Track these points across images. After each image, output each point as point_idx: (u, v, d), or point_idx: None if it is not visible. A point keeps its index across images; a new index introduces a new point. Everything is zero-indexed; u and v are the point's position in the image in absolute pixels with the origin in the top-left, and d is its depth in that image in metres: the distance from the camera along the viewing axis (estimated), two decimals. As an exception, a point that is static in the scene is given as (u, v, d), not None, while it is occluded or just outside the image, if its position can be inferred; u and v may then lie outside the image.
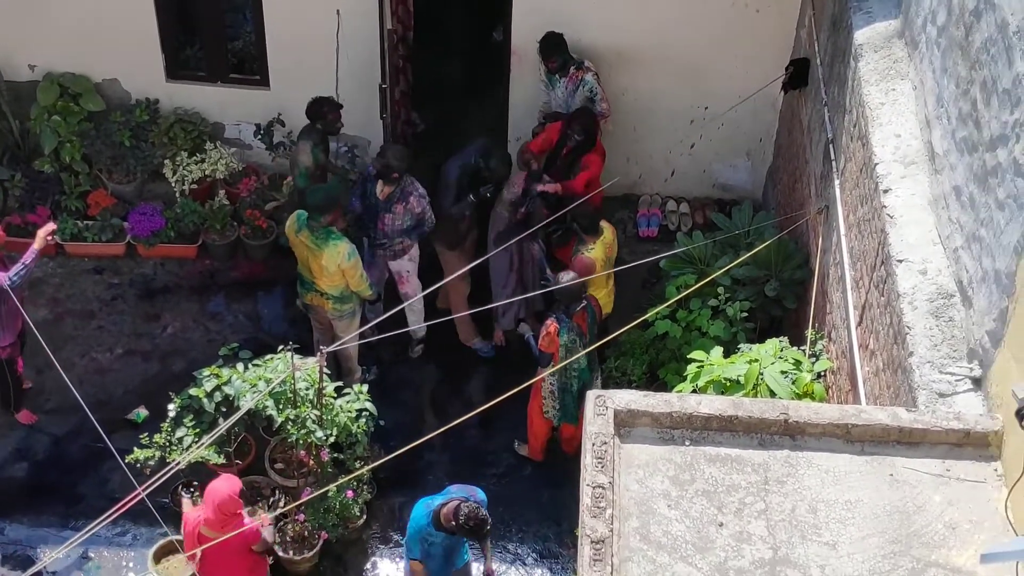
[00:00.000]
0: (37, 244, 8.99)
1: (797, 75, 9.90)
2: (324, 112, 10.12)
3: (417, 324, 10.12)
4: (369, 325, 9.01)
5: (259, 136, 11.17)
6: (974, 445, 5.57)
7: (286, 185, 11.15)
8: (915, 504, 5.37)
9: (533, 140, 10.39)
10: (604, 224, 9.67)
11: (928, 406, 6.02)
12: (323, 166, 10.21)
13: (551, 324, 8.85)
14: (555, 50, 10.20)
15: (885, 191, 7.10)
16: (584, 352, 8.85)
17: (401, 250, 9.86)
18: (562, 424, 9.40)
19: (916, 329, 6.37)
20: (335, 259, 9.18)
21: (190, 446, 8.19)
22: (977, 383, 6.04)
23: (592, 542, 5.08)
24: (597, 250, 9.49)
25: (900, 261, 6.70)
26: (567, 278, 8.88)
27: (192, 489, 9.06)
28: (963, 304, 6.34)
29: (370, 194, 9.69)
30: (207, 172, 11.01)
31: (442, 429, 8.63)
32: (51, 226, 9.24)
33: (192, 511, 8.12)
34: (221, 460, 8.63)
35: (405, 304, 9.57)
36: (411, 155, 9.72)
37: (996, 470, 5.52)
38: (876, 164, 7.28)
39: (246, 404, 8.05)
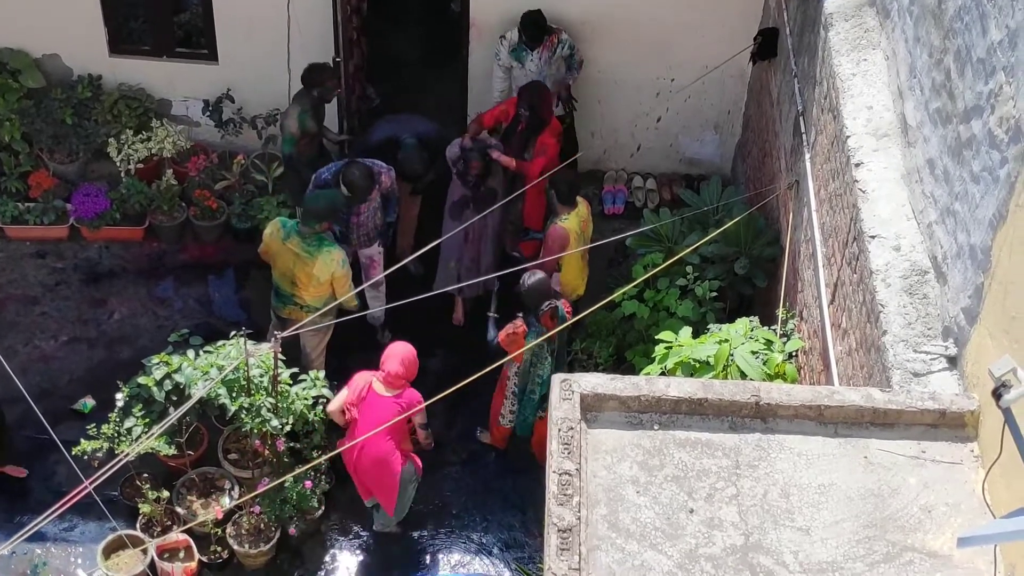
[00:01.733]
0: None
1: (766, 45, 9.92)
2: (323, 79, 10.05)
3: (379, 308, 10.11)
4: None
5: (207, 113, 11.12)
6: (950, 426, 5.61)
7: (236, 164, 11.09)
8: (890, 487, 5.40)
9: (488, 111, 10.37)
10: (580, 199, 9.67)
11: (902, 386, 6.05)
12: (313, 134, 10.16)
13: (520, 325, 8.80)
14: (541, 23, 10.25)
15: (857, 165, 7.12)
16: (548, 359, 8.87)
17: (375, 234, 9.88)
18: (535, 422, 9.33)
19: (890, 307, 6.40)
20: (329, 267, 9.09)
21: (139, 437, 8.15)
22: (953, 362, 6.08)
23: (559, 530, 5.08)
24: (571, 221, 9.49)
25: (873, 237, 6.73)
26: (533, 280, 8.79)
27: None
28: (938, 280, 6.38)
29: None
30: (154, 151, 10.94)
31: (402, 416, 8.61)
32: None
33: (361, 373, 8.56)
34: (172, 451, 8.59)
35: (367, 286, 9.58)
36: (368, 172, 9.68)
37: (972, 451, 5.56)
38: (847, 137, 7.30)
39: (197, 392, 8.02)
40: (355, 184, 9.46)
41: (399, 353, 8.54)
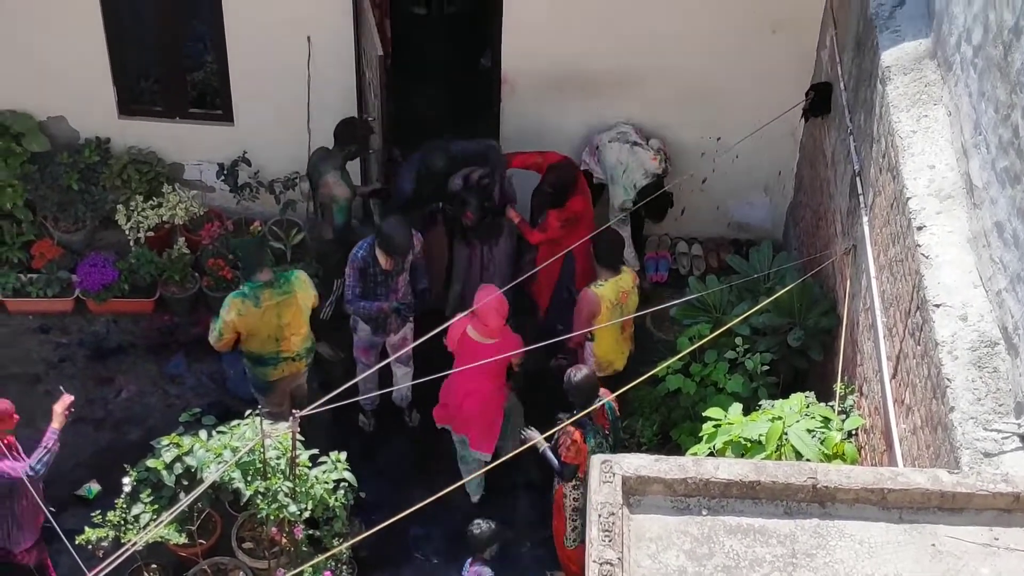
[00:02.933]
0: (56, 423, 8.50)
1: (819, 101, 9.95)
2: (360, 133, 10.21)
3: (406, 385, 10.13)
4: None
5: (222, 177, 11.21)
6: (1025, 510, 5.57)
7: (253, 231, 11.16)
8: (961, 578, 5.35)
9: (521, 154, 10.47)
10: (626, 269, 9.68)
11: (972, 467, 6.00)
12: (356, 193, 10.33)
13: (575, 432, 8.68)
14: None
15: (919, 228, 7.12)
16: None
17: (408, 310, 9.91)
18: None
19: (957, 381, 6.36)
20: (307, 287, 9.47)
21: (148, 524, 8.15)
22: (1026, 441, 6.05)
23: (600, 626, 5.06)
24: (607, 288, 9.50)
25: (937, 306, 6.71)
26: (580, 377, 8.66)
27: None
28: (1009, 353, 6.35)
29: (372, 269, 9.63)
30: (165, 218, 11.03)
31: (430, 499, 8.59)
32: (67, 398, 8.66)
33: (460, 321, 9.36)
34: (183, 539, 8.59)
35: (392, 359, 9.70)
36: (407, 223, 9.81)
37: (1050, 538, 5.51)
38: (908, 198, 7.30)
39: (210, 476, 8.02)
40: (394, 239, 9.47)
41: (494, 306, 9.29)
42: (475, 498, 10.04)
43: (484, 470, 9.18)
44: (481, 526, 8.67)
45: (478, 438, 9.74)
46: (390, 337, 10.01)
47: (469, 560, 8.71)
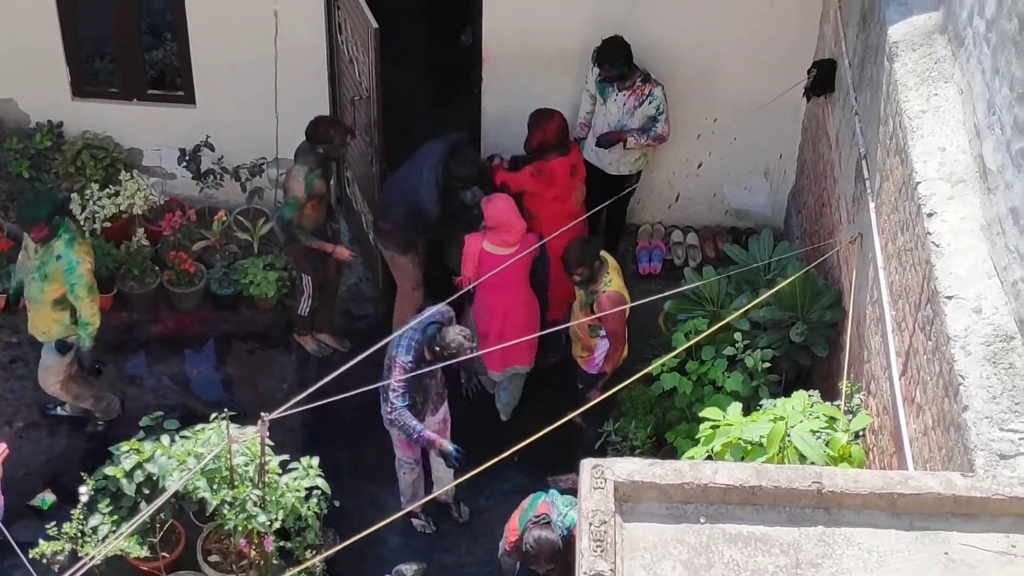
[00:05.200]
0: None
1: (822, 79, 9.97)
2: (330, 135, 10.15)
3: (452, 484, 9.82)
4: None
5: (184, 163, 11.19)
6: (1044, 516, 5.59)
7: (217, 221, 11.15)
8: (975, 588, 5.37)
9: (505, 174, 10.45)
10: (603, 253, 9.73)
11: (988, 470, 6.02)
12: (320, 194, 10.20)
13: None
14: (618, 56, 10.34)
15: (929, 215, 7.13)
16: None
17: (442, 396, 9.65)
18: None
19: (971, 378, 6.38)
20: (65, 275, 9.52)
21: (106, 537, 8.14)
22: (1045, 441, 6.07)
23: (592, 642, 5.07)
24: (614, 280, 9.55)
25: (949, 298, 6.73)
26: (537, 539, 8.26)
27: None
28: (1025, 347, 6.38)
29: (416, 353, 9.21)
30: (122, 207, 11.00)
31: (407, 509, 8.62)
32: (2, 450, 8.94)
33: (472, 237, 9.87)
34: (144, 552, 8.58)
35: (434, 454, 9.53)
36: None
37: (1071, 545, 5.54)
38: (918, 183, 7.32)
39: (173, 484, 8.01)
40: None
41: (509, 209, 9.81)
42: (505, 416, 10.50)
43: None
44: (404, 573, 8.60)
45: (522, 354, 10.10)
46: (426, 419, 9.47)
47: None
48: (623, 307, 9.41)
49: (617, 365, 9.75)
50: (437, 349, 8.90)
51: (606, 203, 10.52)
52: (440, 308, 9.08)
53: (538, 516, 8.36)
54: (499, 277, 9.63)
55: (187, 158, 11.16)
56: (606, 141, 10.54)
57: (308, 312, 10.81)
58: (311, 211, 10.12)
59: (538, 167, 10.29)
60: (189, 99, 11.09)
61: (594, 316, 9.52)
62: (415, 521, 10.00)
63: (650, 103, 10.47)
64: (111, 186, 11.03)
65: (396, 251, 10.50)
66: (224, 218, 11.22)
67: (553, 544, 8.22)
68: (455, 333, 8.93)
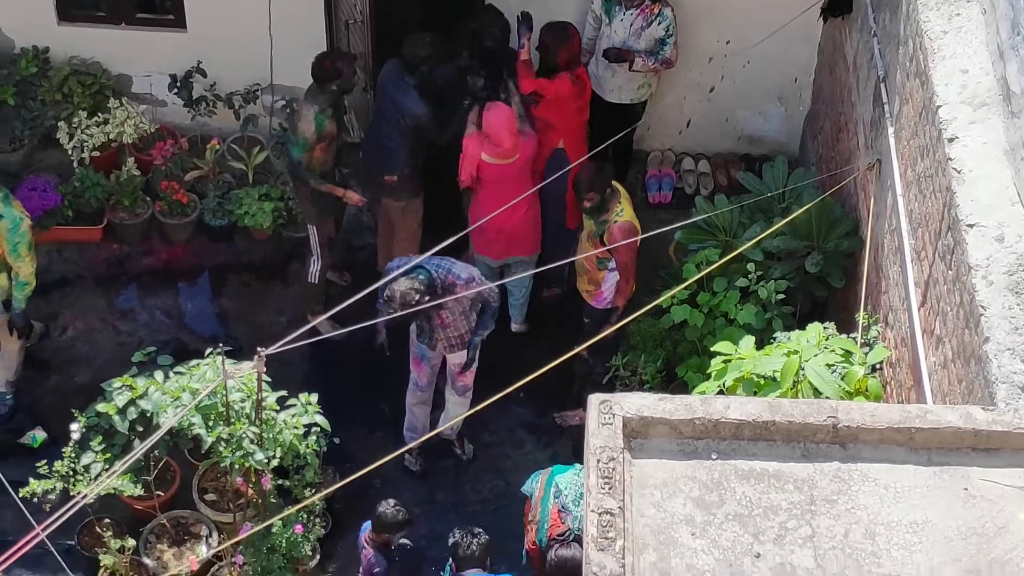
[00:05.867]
0: None
1: (839, -1, 9.92)
2: (340, 68, 10.00)
3: (457, 419, 9.87)
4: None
5: (175, 90, 11.14)
6: (1067, 450, 5.59)
7: (210, 150, 11.12)
8: (996, 524, 5.38)
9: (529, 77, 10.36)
10: (614, 183, 9.70)
11: (1009, 404, 6.03)
12: (331, 135, 10.06)
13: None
14: None
15: (950, 140, 7.11)
16: None
17: (461, 344, 9.59)
18: None
19: (992, 309, 6.38)
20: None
21: (99, 475, 8.16)
22: (1069, 374, 6.07)
23: (600, 581, 5.09)
24: (627, 210, 9.53)
25: (971, 226, 6.71)
26: (568, 554, 8.30)
27: None
28: (1049, 277, 6.36)
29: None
30: (112, 136, 10.97)
31: (410, 445, 8.64)
32: None
33: (471, 137, 9.95)
34: (138, 491, 8.61)
35: (454, 399, 9.66)
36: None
37: (1094, 480, 5.54)
38: (939, 107, 7.28)
39: (168, 421, 8.03)
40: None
41: (504, 125, 9.81)
42: (517, 325, 10.74)
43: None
44: (471, 542, 8.47)
45: (524, 243, 10.36)
46: (449, 355, 9.64)
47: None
48: (635, 238, 9.39)
49: (628, 298, 9.75)
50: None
51: (612, 139, 10.42)
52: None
53: (560, 534, 8.36)
54: (497, 183, 9.91)
55: (178, 85, 11.11)
56: (614, 54, 10.44)
57: (319, 278, 10.61)
58: (320, 153, 10.02)
59: (576, 74, 10.25)
60: (180, 23, 11.01)
61: (604, 248, 9.49)
62: (405, 457, 10.02)
63: (659, 23, 10.39)
64: (99, 114, 10.99)
65: (408, 196, 10.42)
66: (217, 146, 11.17)
67: (578, 562, 8.20)
68: (406, 285, 8.92)
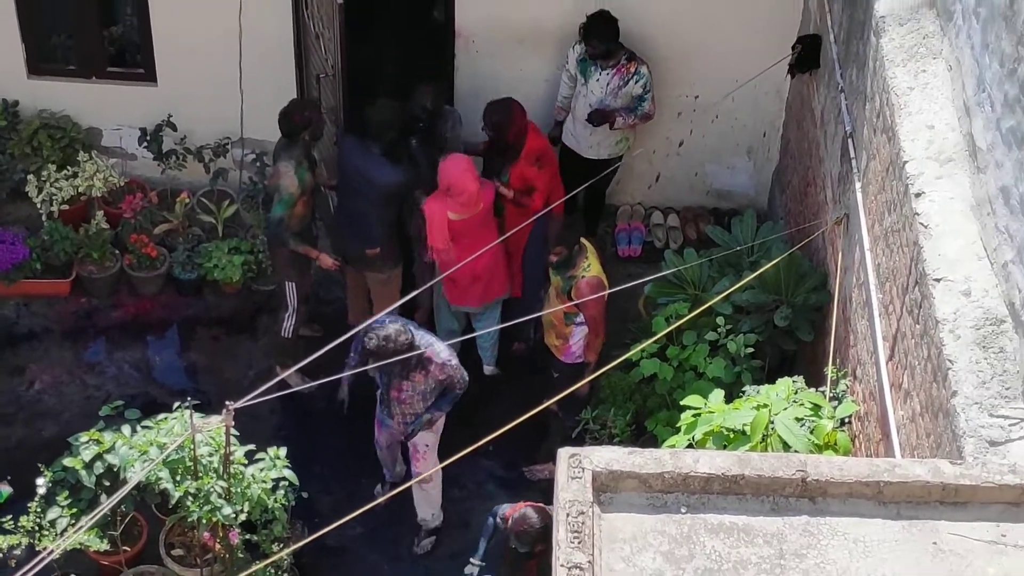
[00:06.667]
0: None
1: (806, 55, 9.97)
2: (308, 117, 10.02)
3: (430, 513, 9.90)
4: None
5: (145, 144, 11.14)
6: (1035, 504, 5.60)
7: (179, 203, 11.12)
8: (965, 579, 5.39)
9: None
10: (582, 239, 9.71)
11: (977, 457, 6.04)
12: (311, 187, 10.07)
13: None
14: (606, 31, 10.34)
15: (917, 195, 7.14)
16: None
17: (417, 425, 9.49)
18: None
19: (960, 363, 6.39)
20: None
21: (65, 530, 8.10)
22: (1036, 427, 6.09)
23: (569, 637, 5.07)
24: (594, 264, 9.52)
25: (938, 280, 6.73)
26: (526, 524, 8.35)
27: None
28: (1016, 331, 6.39)
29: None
30: (81, 189, 10.96)
31: (380, 500, 8.57)
32: None
33: (432, 201, 9.94)
34: (105, 546, 8.55)
35: (413, 483, 9.50)
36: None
37: (1062, 534, 5.55)
38: (905, 162, 7.32)
39: (135, 476, 7.98)
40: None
41: (464, 169, 9.88)
42: (489, 368, 10.72)
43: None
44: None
45: (500, 285, 10.41)
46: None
47: None
48: (603, 293, 9.39)
49: (599, 351, 9.74)
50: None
51: (583, 185, 10.47)
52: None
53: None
54: (466, 236, 9.92)
55: (148, 138, 11.12)
56: (598, 117, 10.51)
57: (292, 333, 10.55)
58: (301, 208, 10.01)
59: (534, 156, 10.26)
60: (150, 77, 11.03)
61: (572, 303, 9.50)
62: (377, 488, 10.10)
63: (636, 81, 10.46)
64: (69, 167, 10.99)
65: (390, 267, 10.39)
66: (187, 200, 11.18)
67: (530, 523, 8.29)
68: (394, 329, 8.89)
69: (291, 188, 9.89)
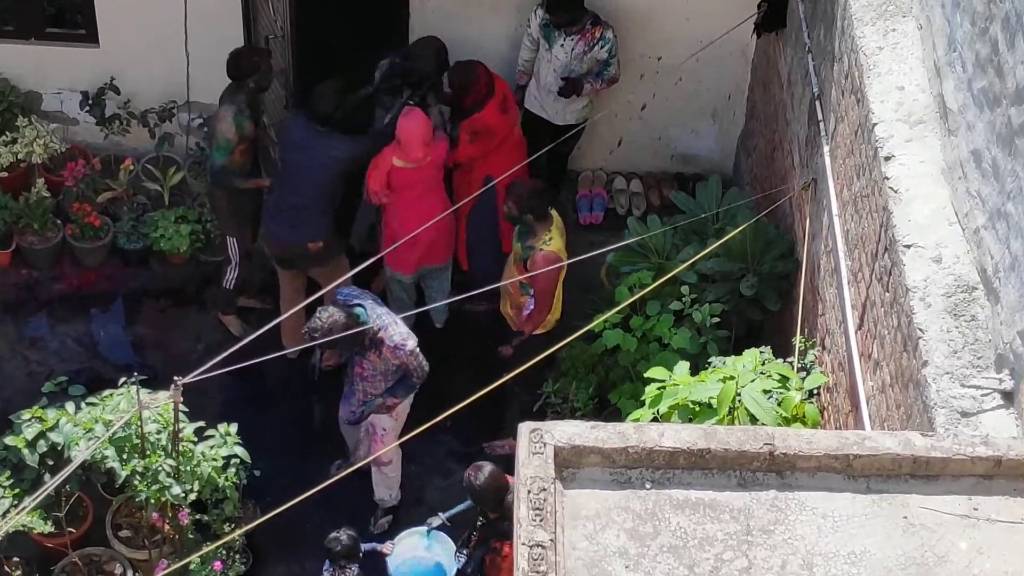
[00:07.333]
0: None
1: (772, 14, 9.98)
2: (256, 62, 10.03)
3: (388, 494, 9.95)
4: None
5: (87, 108, 11.06)
6: (1008, 476, 5.63)
7: (124, 170, 11.05)
8: (936, 553, 5.42)
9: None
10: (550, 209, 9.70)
11: (948, 429, 6.08)
12: (251, 138, 10.08)
13: (505, 547, 8.50)
14: (572, 2, 10.31)
15: (887, 158, 7.17)
16: None
17: (383, 406, 9.47)
18: None
19: (930, 332, 6.43)
20: None
21: (7, 512, 8.08)
22: (1009, 398, 6.12)
23: (531, 617, 5.08)
24: (556, 238, 9.50)
25: (908, 247, 6.76)
26: (486, 477, 8.45)
27: None
28: (988, 298, 6.42)
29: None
30: (20, 156, 10.87)
31: (335, 478, 8.56)
32: None
33: (384, 153, 10.02)
34: (48, 528, 8.52)
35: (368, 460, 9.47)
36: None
37: (1036, 507, 5.59)
38: (875, 124, 7.35)
39: (80, 455, 7.96)
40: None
41: (416, 133, 9.90)
42: (439, 324, 10.84)
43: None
44: (341, 540, 8.83)
45: (436, 252, 10.41)
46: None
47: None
48: (556, 267, 9.34)
49: (538, 328, 9.71)
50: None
51: (544, 149, 10.44)
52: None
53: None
54: (408, 188, 10.04)
55: (90, 102, 11.04)
56: (570, 88, 10.49)
57: (235, 286, 10.65)
58: (239, 156, 10.00)
59: (473, 129, 10.24)
60: (92, 38, 10.94)
61: (527, 275, 9.49)
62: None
63: (602, 46, 10.45)
64: (7, 133, 10.90)
65: (333, 257, 10.34)
66: (131, 167, 11.10)
67: (480, 473, 8.46)
68: (336, 314, 8.90)
69: (228, 134, 9.90)
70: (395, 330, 9.02)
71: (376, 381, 9.24)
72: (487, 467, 8.54)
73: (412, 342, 9.08)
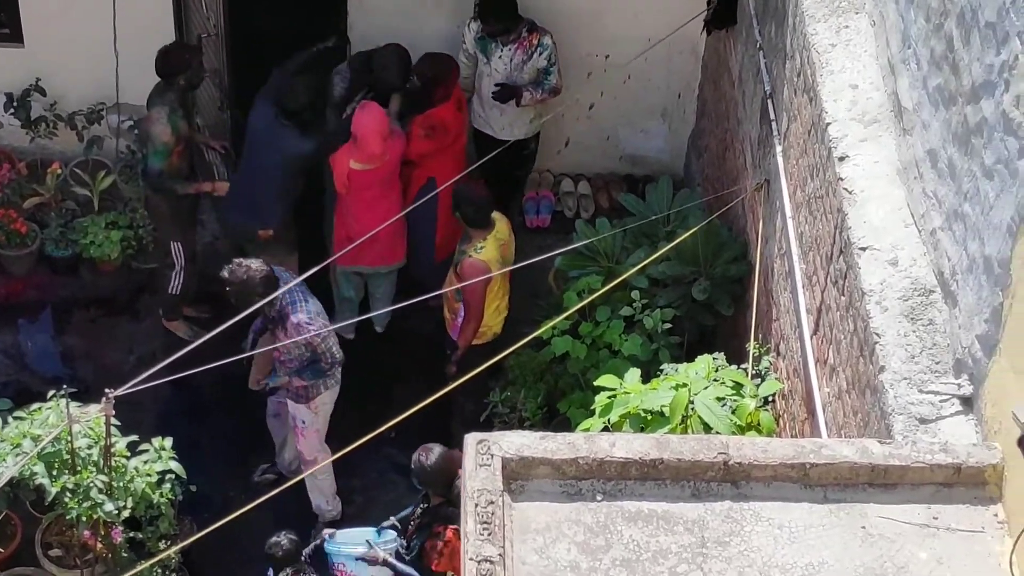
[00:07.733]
0: None
1: (723, 10, 10.03)
2: (186, 59, 10.02)
3: (324, 501, 9.93)
4: None
5: (11, 110, 10.99)
6: (967, 484, 5.67)
7: (51, 175, 10.98)
8: (895, 564, 5.45)
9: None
10: (496, 215, 9.68)
11: (906, 436, 6.11)
12: (187, 138, 10.04)
13: (448, 531, 8.55)
14: (504, 8, 10.30)
15: (841, 159, 7.20)
16: None
17: (297, 392, 9.49)
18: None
19: (887, 336, 6.46)
20: None
21: (-68, 531, 8.02)
22: (968, 403, 6.15)
23: (480, 635, 5.08)
24: (489, 248, 9.50)
25: (863, 249, 6.79)
26: (435, 458, 8.53)
27: None
28: (946, 301, 6.47)
29: None
30: (-58, 161, 10.81)
31: (274, 492, 8.54)
32: None
33: (340, 152, 10.01)
34: (-25, 548, 8.47)
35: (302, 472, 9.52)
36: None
37: (996, 515, 5.63)
38: (828, 124, 7.38)
39: (7, 471, 7.90)
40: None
41: (373, 128, 9.88)
42: (380, 328, 10.90)
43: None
44: (282, 544, 8.85)
45: (394, 251, 10.49)
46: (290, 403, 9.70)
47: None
48: (481, 279, 9.33)
49: (472, 340, 9.71)
50: None
51: (483, 159, 10.37)
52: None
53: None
54: (365, 189, 10.08)
55: (15, 104, 10.98)
56: (504, 94, 10.49)
57: (180, 291, 10.63)
58: (176, 159, 9.97)
59: (429, 123, 10.24)
60: (16, 37, 10.89)
61: (456, 286, 9.50)
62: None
63: (540, 54, 10.46)
64: (-72, 137, 10.84)
65: (284, 252, 10.35)
66: (59, 171, 11.04)
67: (426, 455, 8.58)
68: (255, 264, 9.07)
69: (164, 137, 9.88)
70: (301, 307, 9.06)
71: (291, 364, 9.29)
72: (437, 448, 8.60)
73: (318, 323, 9.08)
